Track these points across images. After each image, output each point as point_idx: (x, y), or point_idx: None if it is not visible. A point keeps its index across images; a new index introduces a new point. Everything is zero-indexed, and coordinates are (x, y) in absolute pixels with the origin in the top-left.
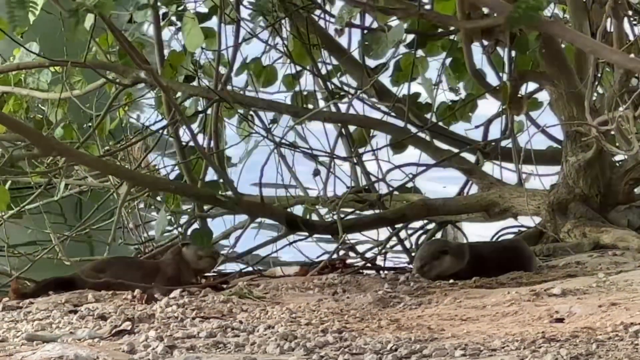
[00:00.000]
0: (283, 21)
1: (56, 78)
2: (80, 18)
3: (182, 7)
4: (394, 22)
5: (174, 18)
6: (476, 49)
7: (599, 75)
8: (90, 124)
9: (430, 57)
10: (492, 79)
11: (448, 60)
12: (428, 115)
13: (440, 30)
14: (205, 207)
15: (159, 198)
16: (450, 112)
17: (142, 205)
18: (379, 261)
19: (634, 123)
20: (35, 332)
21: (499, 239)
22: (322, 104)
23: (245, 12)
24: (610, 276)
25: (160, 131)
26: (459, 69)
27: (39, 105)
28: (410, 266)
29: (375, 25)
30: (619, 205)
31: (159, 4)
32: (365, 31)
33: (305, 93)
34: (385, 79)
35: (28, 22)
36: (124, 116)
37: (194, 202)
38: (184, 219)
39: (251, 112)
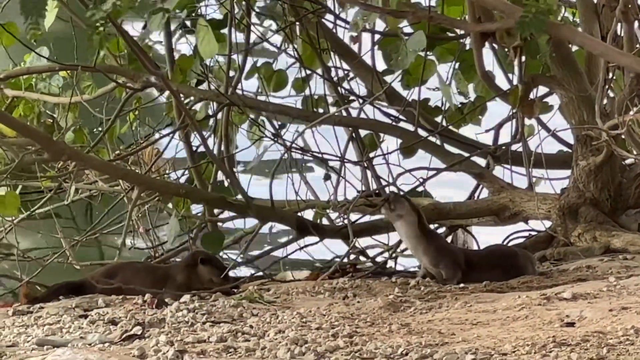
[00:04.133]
0: (293, 25)
1: (67, 83)
2: (102, 35)
3: (195, 13)
4: (406, 28)
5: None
6: (486, 51)
7: (611, 78)
8: (100, 129)
9: (441, 62)
10: (501, 82)
11: (457, 64)
12: (438, 119)
13: (449, 33)
14: (216, 211)
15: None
16: (460, 115)
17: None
18: (390, 265)
19: None
20: (45, 336)
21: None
22: (332, 108)
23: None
24: (621, 280)
25: (171, 135)
26: (468, 72)
27: (47, 110)
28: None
29: (386, 29)
30: (629, 209)
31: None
32: (379, 37)
33: (315, 97)
34: (395, 82)
35: (43, 28)
36: (134, 121)
37: (205, 206)
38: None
39: (262, 117)
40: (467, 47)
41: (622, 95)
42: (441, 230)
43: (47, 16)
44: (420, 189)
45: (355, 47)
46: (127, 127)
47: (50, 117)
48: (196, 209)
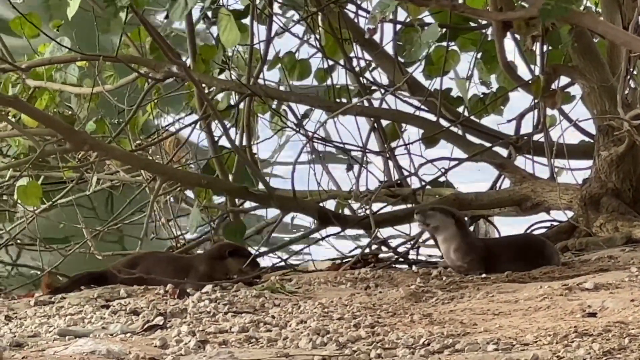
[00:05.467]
0: (315, 16)
1: (84, 72)
2: (118, 9)
3: (217, 2)
4: (426, 17)
5: (208, 12)
6: (508, 42)
7: (634, 68)
8: (120, 119)
9: (463, 52)
10: (523, 72)
11: (479, 54)
12: (460, 109)
13: (471, 24)
14: (238, 202)
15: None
16: (482, 105)
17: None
18: (411, 255)
19: None
20: (67, 327)
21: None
22: (354, 98)
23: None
24: None
25: (193, 126)
26: (490, 62)
27: (64, 101)
28: (441, 260)
29: (408, 20)
30: None
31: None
32: (399, 27)
33: (337, 87)
34: (417, 72)
35: (66, 17)
36: (155, 110)
37: (226, 196)
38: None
39: (284, 107)
40: (489, 38)
41: None
42: None
43: (71, 5)
44: (442, 179)
45: (376, 38)
46: (147, 117)
47: (68, 108)
48: (218, 199)
